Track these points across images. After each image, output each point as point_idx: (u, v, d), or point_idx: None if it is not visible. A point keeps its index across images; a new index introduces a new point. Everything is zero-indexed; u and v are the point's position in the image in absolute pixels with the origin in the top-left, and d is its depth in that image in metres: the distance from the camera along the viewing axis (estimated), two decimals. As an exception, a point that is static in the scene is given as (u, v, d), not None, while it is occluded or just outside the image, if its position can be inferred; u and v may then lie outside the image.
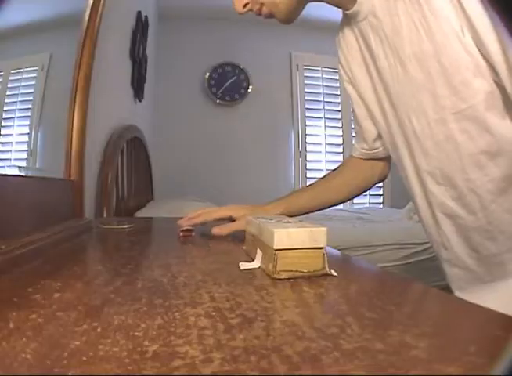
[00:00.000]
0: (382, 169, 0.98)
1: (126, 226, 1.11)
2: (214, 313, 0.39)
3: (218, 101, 4.08)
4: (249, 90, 4.11)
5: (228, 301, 0.42)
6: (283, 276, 0.53)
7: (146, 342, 0.31)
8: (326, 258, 0.55)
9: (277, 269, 0.53)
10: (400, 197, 3.87)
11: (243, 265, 0.59)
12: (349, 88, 0.90)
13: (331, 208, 3.51)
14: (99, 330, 0.34)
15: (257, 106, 4.12)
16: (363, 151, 0.94)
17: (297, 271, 0.53)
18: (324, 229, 0.56)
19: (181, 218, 0.93)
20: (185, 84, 4.00)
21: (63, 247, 0.78)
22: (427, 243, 2.26)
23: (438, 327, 0.38)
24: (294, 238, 0.54)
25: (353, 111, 0.93)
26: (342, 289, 0.52)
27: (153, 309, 0.40)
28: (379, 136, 0.88)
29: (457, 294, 0.77)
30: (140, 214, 1.99)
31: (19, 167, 0.99)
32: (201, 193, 3.09)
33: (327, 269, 0.55)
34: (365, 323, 0.37)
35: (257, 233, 0.64)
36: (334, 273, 0.55)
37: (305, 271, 0.54)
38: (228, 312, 0.39)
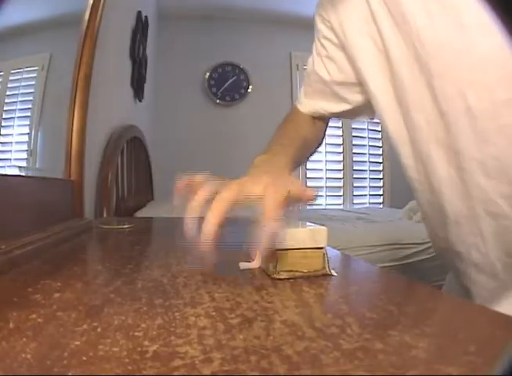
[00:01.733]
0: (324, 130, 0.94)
1: (126, 226, 1.11)
2: (214, 313, 0.39)
3: (218, 101, 4.09)
4: (249, 90, 4.11)
5: (228, 301, 0.42)
6: (283, 276, 0.53)
7: (146, 342, 0.31)
8: (326, 258, 0.55)
9: (277, 269, 0.53)
10: (400, 197, 3.87)
11: (243, 265, 0.59)
12: (330, 47, 0.81)
13: (331, 208, 3.49)
14: (99, 330, 0.34)
15: (257, 106, 4.12)
16: (323, 111, 0.88)
17: (297, 271, 0.53)
18: (324, 229, 0.56)
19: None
20: (185, 84, 4.00)
21: (63, 247, 0.78)
22: (427, 243, 2.25)
23: (438, 327, 0.38)
24: (295, 238, 0.54)
25: (316, 70, 0.85)
26: (342, 289, 0.52)
27: (153, 309, 0.40)
28: (365, 105, 0.81)
29: (478, 302, 0.67)
30: (140, 214, 1.99)
31: (20, 167, 0.99)
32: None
33: (327, 269, 0.55)
34: (365, 323, 0.37)
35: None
36: (334, 273, 0.55)
37: (305, 271, 0.54)
38: (229, 312, 0.39)
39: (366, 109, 0.83)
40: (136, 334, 0.33)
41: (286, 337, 0.33)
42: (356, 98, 0.82)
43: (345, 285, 0.54)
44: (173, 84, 3.95)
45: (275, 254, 0.53)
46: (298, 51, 4.26)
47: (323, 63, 0.83)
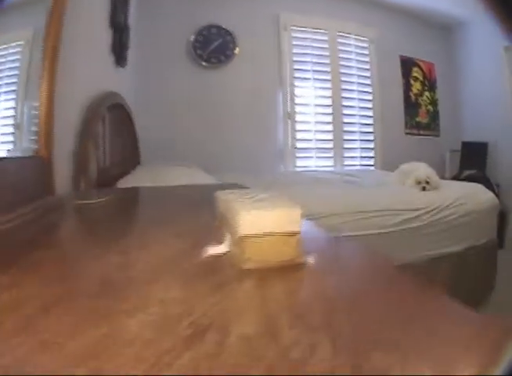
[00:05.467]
0: None
1: (99, 200, 1.05)
2: (162, 321, 0.33)
3: (203, 63, 3.97)
4: (235, 52, 3.98)
5: (181, 305, 0.37)
6: (251, 265, 0.47)
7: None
8: (300, 245, 0.49)
9: (244, 257, 0.47)
10: (392, 159, 3.83)
11: (209, 250, 0.54)
12: None
13: (321, 170, 3.37)
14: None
15: (245, 67, 4.02)
16: None
17: (267, 260, 0.47)
18: (299, 210, 0.49)
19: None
20: (169, 48, 3.88)
21: (26, 232, 0.72)
22: (419, 210, 2.19)
23: (437, 327, 0.35)
24: (264, 222, 0.47)
25: None
26: (318, 282, 0.46)
27: (92, 317, 0.34)
28: None
29: None
30: (123, 183, 1.90)
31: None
32: (190, 157, 3.06)
33: (302, 258, 0.49)
34: (340, 344, 0.31)
35: (225, 213, 0.57)
36: (310, 261, 0.49)
37: (277, 260, 0.48)
38: (179, 319, 0.33)
39: None
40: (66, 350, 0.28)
41: (242, 357, 0.28)
42: None
43: (321, 277, 0.48)
44: (157, 48, 3.83)
45: (242, 239, 0.47)
46: (286, 11, 4.14)
47: None
